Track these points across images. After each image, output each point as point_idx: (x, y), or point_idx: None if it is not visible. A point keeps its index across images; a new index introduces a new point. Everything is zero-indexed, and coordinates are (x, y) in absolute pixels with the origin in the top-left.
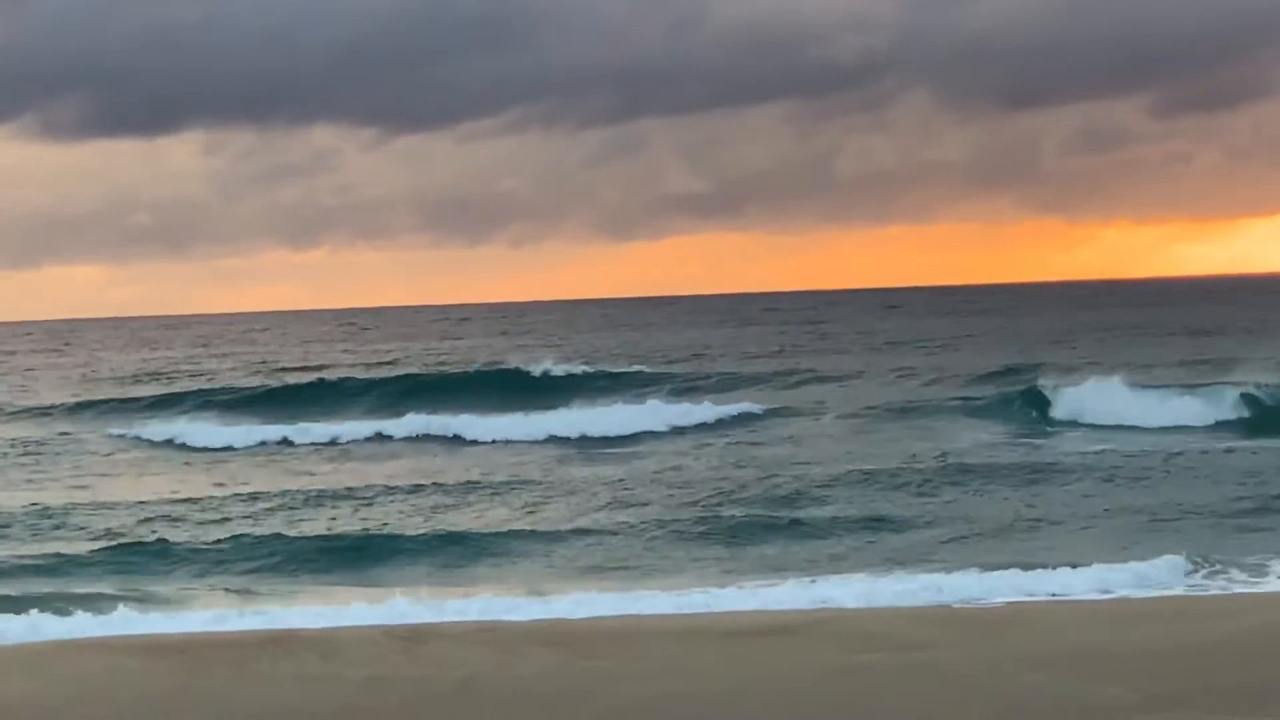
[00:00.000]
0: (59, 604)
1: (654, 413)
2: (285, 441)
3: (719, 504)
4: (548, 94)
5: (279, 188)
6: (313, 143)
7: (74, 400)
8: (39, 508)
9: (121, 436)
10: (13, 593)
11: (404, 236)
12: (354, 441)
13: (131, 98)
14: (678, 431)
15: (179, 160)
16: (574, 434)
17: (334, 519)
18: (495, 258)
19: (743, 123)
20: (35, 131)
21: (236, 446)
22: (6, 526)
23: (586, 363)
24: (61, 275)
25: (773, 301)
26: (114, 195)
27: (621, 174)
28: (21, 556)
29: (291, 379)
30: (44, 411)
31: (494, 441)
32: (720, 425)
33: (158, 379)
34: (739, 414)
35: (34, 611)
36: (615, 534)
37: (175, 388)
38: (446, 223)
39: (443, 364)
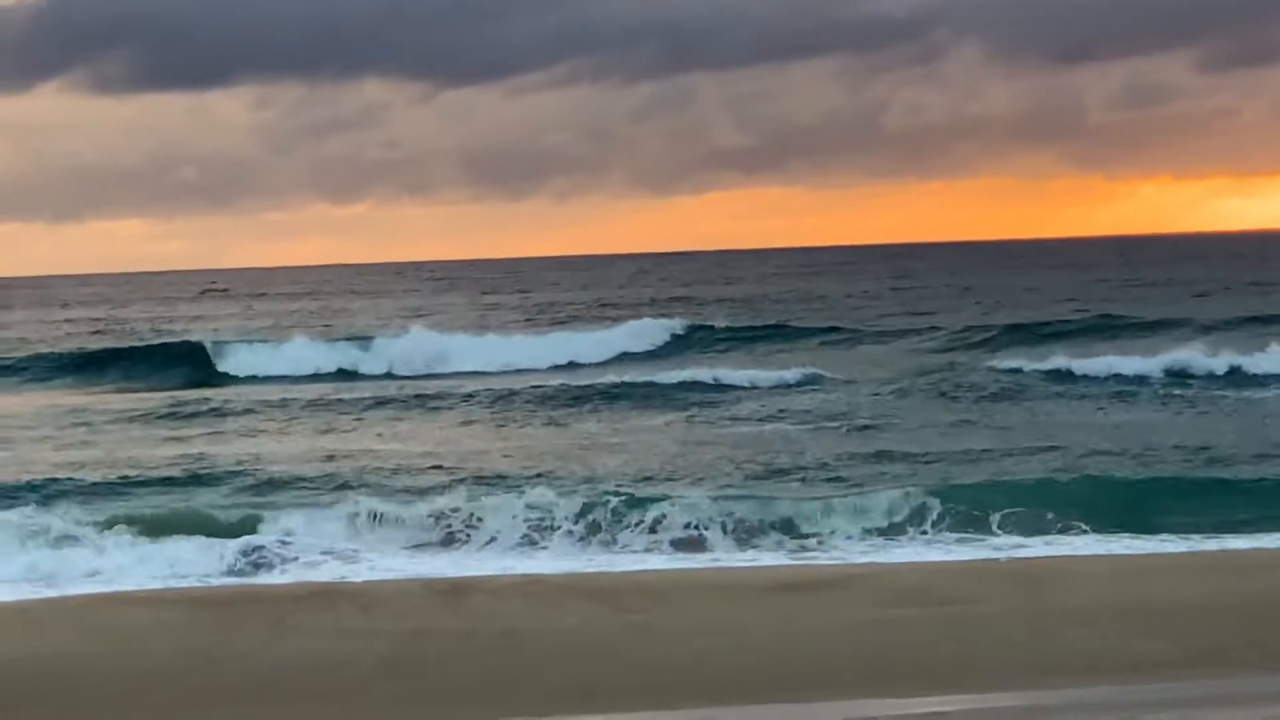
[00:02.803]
0: None
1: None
2: None
3: None
4: (598, 47)
5: (325, 142)
6: (362, 96)
7: None
8: None
9: None
10: None
11: (447, 190)
12: None
13: (182, 52)
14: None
15: (227, 114)
16: None
17: None
18: (538, 212)
19: (791, 77)
20: (85, 85)
21: None
22: None
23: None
24: (104, 229)
25: (831, 256)
26: (160, 149)
27: (667, 128)
28: None
29: None
30: None
31: None
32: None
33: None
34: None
35: None
36: None
37: None
38: (490, 177)
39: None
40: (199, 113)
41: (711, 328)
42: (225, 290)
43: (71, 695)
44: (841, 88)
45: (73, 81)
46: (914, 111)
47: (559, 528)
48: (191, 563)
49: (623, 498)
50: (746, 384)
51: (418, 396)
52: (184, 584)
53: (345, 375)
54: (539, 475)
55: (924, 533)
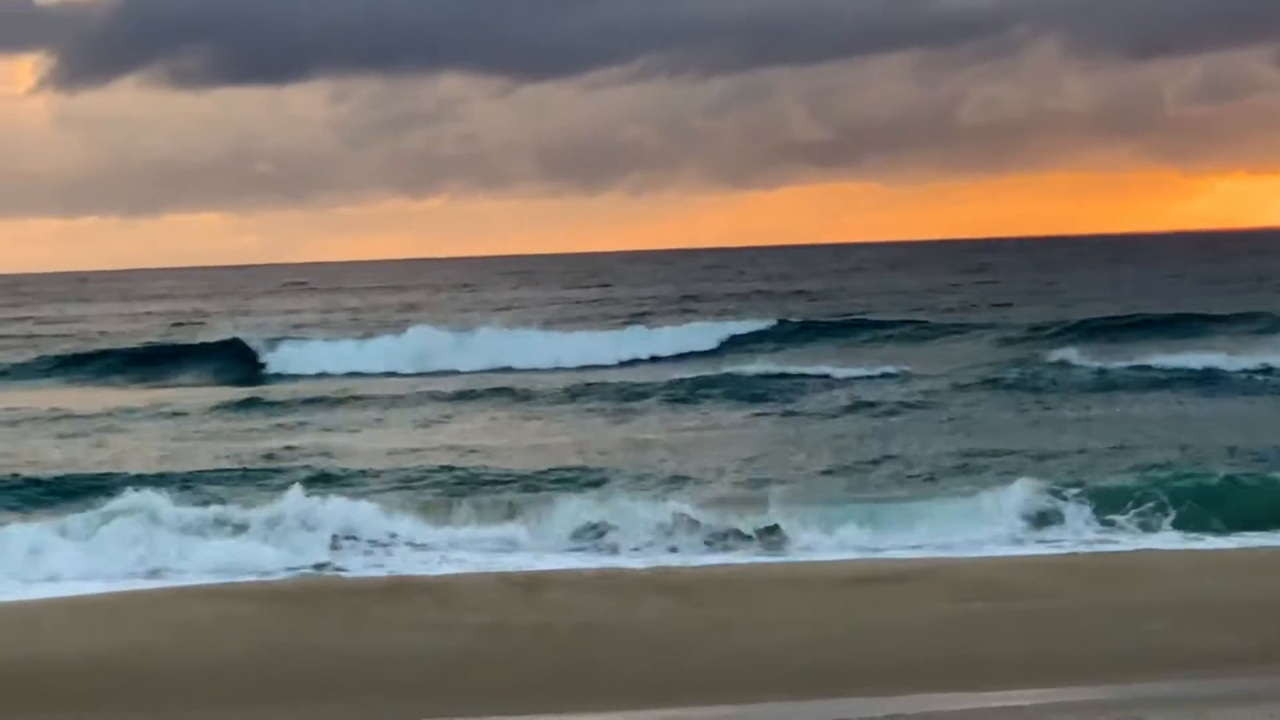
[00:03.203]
0: None
1: None
2: None
3: None
4: (675, 42)
5: (401, 136)
6: (439, 90)
7: None
8: None
9: None
10: None
11: (522, 185)
12: None
13: (259, 46)
14: None
15: (304, 108)
16: None
17: None
18: (613, 206)
19: (868, 71)
20: (163, 80)
21: None
22: None
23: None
24: (180, 223)
25: (908, 250)
26: (237, 143)
27: (743, 122)
28: None
29: None
30: None
31: None
32: None
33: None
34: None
35: None
36: None
37: None
38: (565, 171)
39: None
40: (275, 107)
41: (796, 323)
42: (304, 284)
43: (149, 689)
44: (918, 82)
45: (151, 76)
46: (990, 106)
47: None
48: (280, 557)
49: (726, 494)
50: (838, 377)
51: (512, 390)
52: (269, 578)
53: (439, 370)
54: (637, 472)
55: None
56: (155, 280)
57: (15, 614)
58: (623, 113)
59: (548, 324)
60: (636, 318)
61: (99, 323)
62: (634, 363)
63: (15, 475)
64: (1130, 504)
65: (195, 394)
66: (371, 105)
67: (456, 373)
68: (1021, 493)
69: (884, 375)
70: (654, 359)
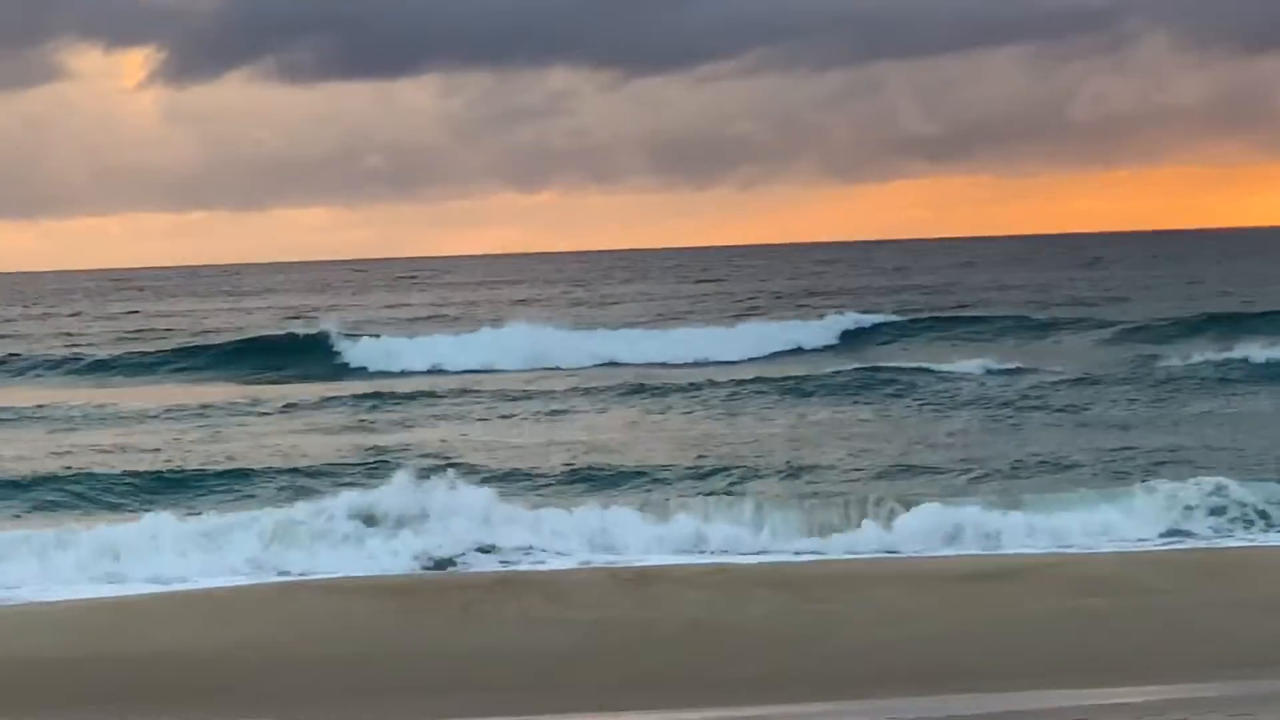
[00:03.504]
0: None
1: None
2: None
3: None
4: (787, 36)
5: (512, 130)
6: (550, 84)
7: None
8: None
9: None
10: None
11: (632, 179)
12: None
13: (370, 40)
14: None
15: (413, 102)
16: None
17: None
18: (722, 200)
19: (979, 65)
20: (273, 74)
21: None
22: None
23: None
24: (289, 217)
25: (1020, 245)
26: (346, 138)
27: (854, 116)
28: None
29: None
30: None
31: None
32: None
33: None
34: None
35: None
36: None
37: None
38: (676, 165)
39: None
40: (385, 101)
41: (919, 318)
42: (414, 278)
43: (264, 684)
44: (1029, 76)
45: (261, 70)
46: (1101, 100)
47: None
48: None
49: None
50: (960, 373)
51: (639, 386)
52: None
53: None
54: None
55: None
56: (268, 275)
57: (132, 609)
58: (734, 107)
59: (659, 319)
60: (751, 312)
61: (212, 318)
62: (750, 360)
63: (132, 470)
64: (1252, 500)
65: (308, 389)
66: (482, 99)
67: (577, 369)
68: (1157, 489)
69: (1008, 370)
70: (773, 354)
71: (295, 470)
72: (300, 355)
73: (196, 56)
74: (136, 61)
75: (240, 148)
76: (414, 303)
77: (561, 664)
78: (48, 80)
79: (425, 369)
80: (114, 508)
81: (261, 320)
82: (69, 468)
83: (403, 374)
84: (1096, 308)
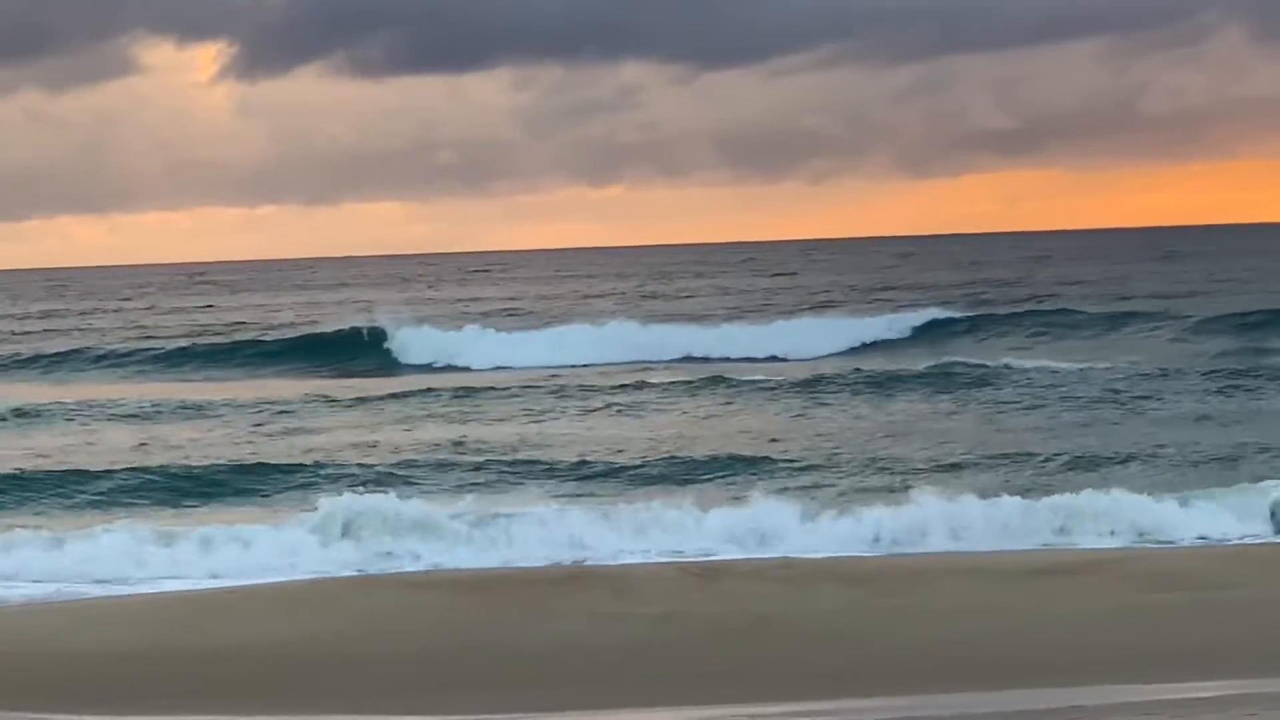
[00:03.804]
0: None
1: None
2: None
3: None
4: (861, 29)
5: (582, 124)
6: (621, 78)
7: None
8: None
9: None
10: None
11: (701, 173)
12: None
13: (441, 34)
14: None
15: (484, 96)
16: None
17: None
18: (792, 195)
19: (1054, 59)
20: (344, 68)
21: None
22: None
23: None
24: (359, 212)
25: (1093, 239)
26: (417, 132)
27: (927, 110)
28: None
29: None
30: None
31: None
32: None
33: None
34: None
35: None
36: None
37: None
38: (745, 159)
39: None
40: (456, 95)
41: (992, 313)
42: (486, 272)
43: (330, 678)
44: (1103, 69)
45: (332, 65)
46: (1175, 93)
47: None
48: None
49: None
50: (1041, 368)
51: (724, 380)
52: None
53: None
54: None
55: None
56: (340, 269)
57: (199, 603)
58: (805, 101)
59: (734, 313)
60: (826, 306)
61: (287, 311)
62: (828, 356)
63: (208, 464)
64: None
65: (381, 383)
66: (552, 93)
67: (665, 363)
68: (1257, 487)
69: (1090, 366)
70: (850, 351)
71: (369, 465)
72: (386, 349)
73: (268, 51)
74: (209, 56)
75: (311, 142)
76: (489, 296)
77: (630, 659)
78: (120, 75)
79: (532, 364)
80: (185, 501)
81: (346, 313)
82: (145, 462)
83: (500, 369)
84: (1173, 301)
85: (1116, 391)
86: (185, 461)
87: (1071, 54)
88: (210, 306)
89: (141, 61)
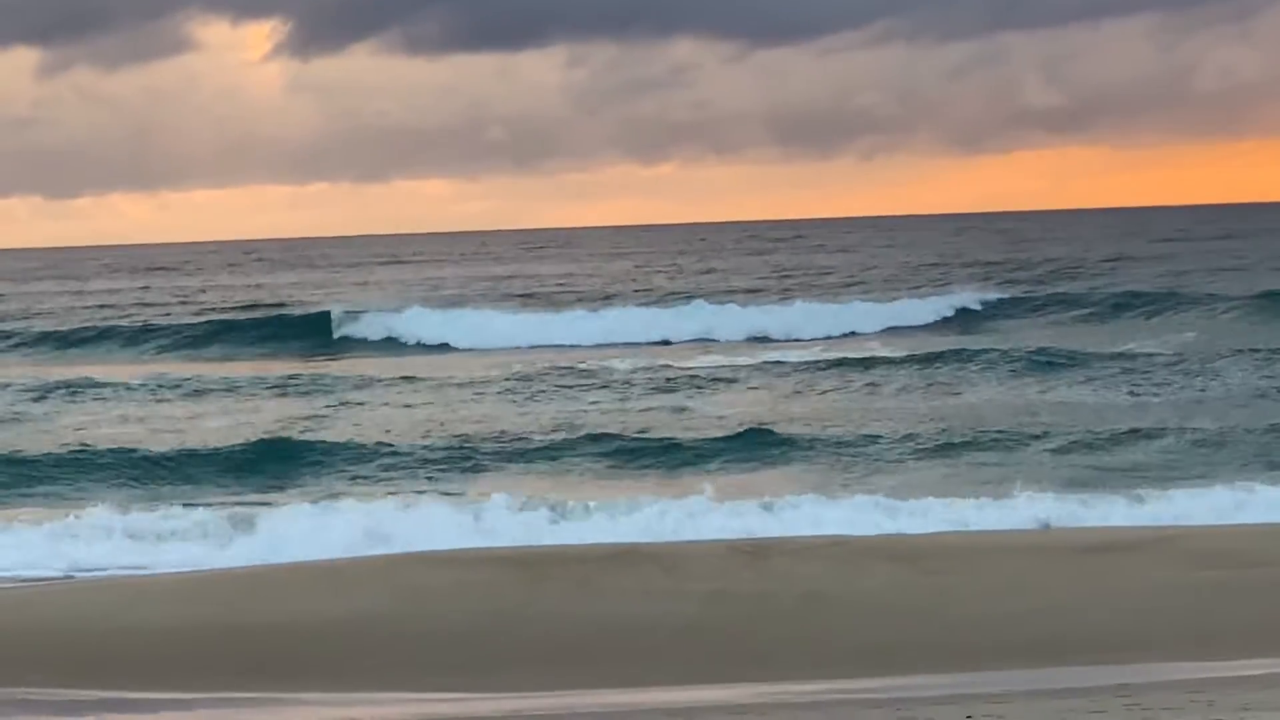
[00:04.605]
0: None
1: None
2: None
3: None
4: (914, 6)
5: (634, 102)
6: (673, 56)
7: None
8: None
9: None
10: None
11: (753, 150)
12: None
13: (495, 12)
14: None
15: (537, 74)
16: None
17: None
18: (842, 172)
19: (1104, 36)
20: (398, 45)
21: None
22: None
23: None
24: (409, 189)
25: (1144, 216)
26: (468, 110)
27: (978, 87)
28: None
29: None
30: None
31: None
32: None
33: None
34: None
35: None
36: None
37: None
38: (797, 136)
39: None
40: (509, 73)
41: (1045, 294)
42: (541, 249)
43: (379, 654)
44: (1153, 46)
45: (385, 42)
46: (1226, 70)
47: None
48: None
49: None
50: (1111, 352)
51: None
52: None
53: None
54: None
55: None
56: (400, 244)
57: (248, 580)
58: (857, 78)
59: (787, 293)
60: (888, 286)
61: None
62: (885, 331)
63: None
64: None
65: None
66: (605, 71)
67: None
68: None
69: (1160, 348)
70: (902, 329)
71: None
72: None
73: (322, 28)
74: (263, 33)
75: (363, 120)
76: (544, 274)
77: (680, 637)
78: (175, 52)
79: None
80: (227, 479)
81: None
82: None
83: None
84: (1228, 279)
85: (1187, 371)
86: (216, 443)
87: (1122, 31)
88: (261, 285)
89: (196, 39)
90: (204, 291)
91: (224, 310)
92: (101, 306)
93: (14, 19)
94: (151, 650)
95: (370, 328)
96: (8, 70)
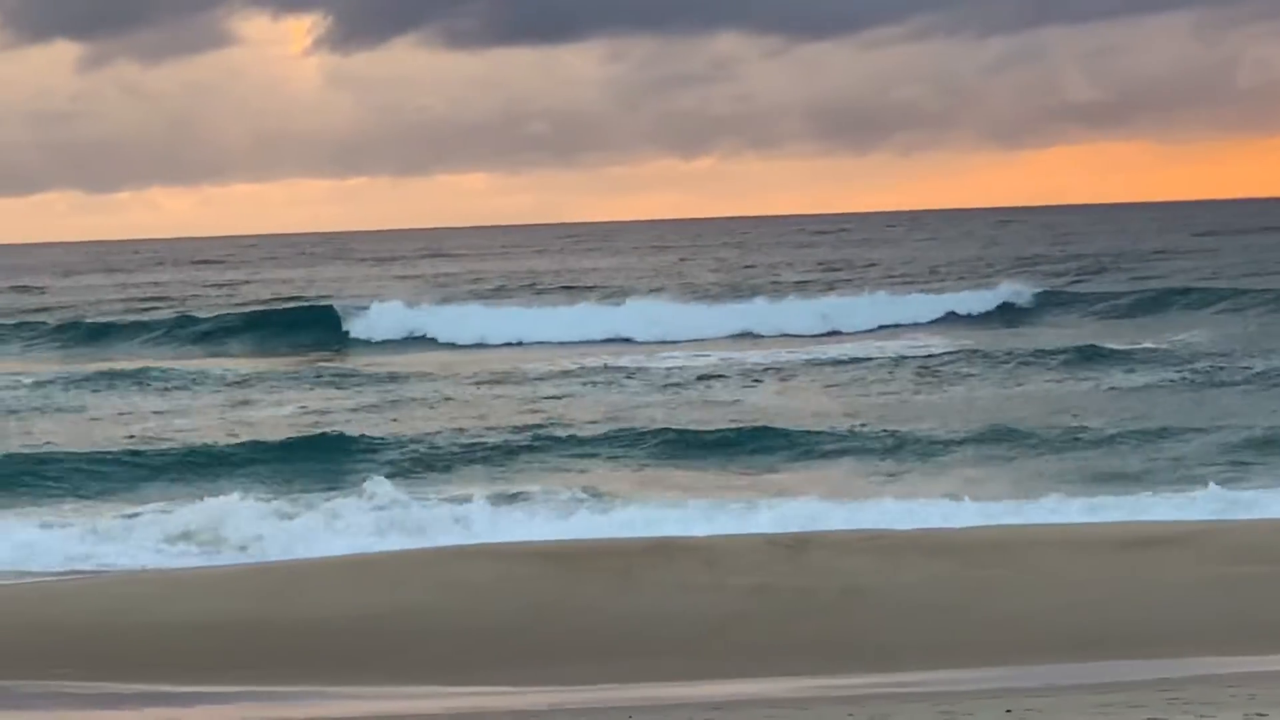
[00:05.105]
0: None
1: None
2: None
3: None
4: (953, 1)
5: (675, 96)
6: (714, 50)
7: None
8: None
9: None
10: None
11: (793, 144)
12: None
13: (535, 6)
14: None
15: (578, 68)
16: None
17: None
18: (882, 167)
19: (1145, 31)
20: (438, 40)
21: None
22: None
23: None
24: (449, 183)
25: (1186, 211)
26: (509, 104)
27: (1017, 82)
28: None
29: None
30: None
31: None
32: None
33: None
34: None
35: None
36: None
37: None
38: (836, 131)
39: None
40: (549, 67)
41: (1096, 290)
42: (581, 241)
43: (421, 648)
44: (1194, 42)
45: (425, 36)
46: (1267, 65)
47: None
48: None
49: None
50: (1154, 348)
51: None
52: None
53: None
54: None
55: None
56: (442, 238)
57: (286, 573)
58: (897, 72)
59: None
60: (934, 279)
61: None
62: (932, 323)
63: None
64: None
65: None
66: (645, 65)
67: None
68: None
69: (1206, 342)
70: (951, 315)
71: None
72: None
73: (363, 22)
74: (303, 27)
75: (403, 114)
76: (589, 268)
77: (720, 630)
78: (216, 46)
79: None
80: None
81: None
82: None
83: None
84: (1275, 273)
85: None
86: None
87: (1162, 26)
88: (289, 281)
89: (238, 33)
90: (234, 285)
91: (265, 302)
92: (148, 299)
93: (56, 13)
94: (189, 644)
95: (429, 323)
96: (48, 64)
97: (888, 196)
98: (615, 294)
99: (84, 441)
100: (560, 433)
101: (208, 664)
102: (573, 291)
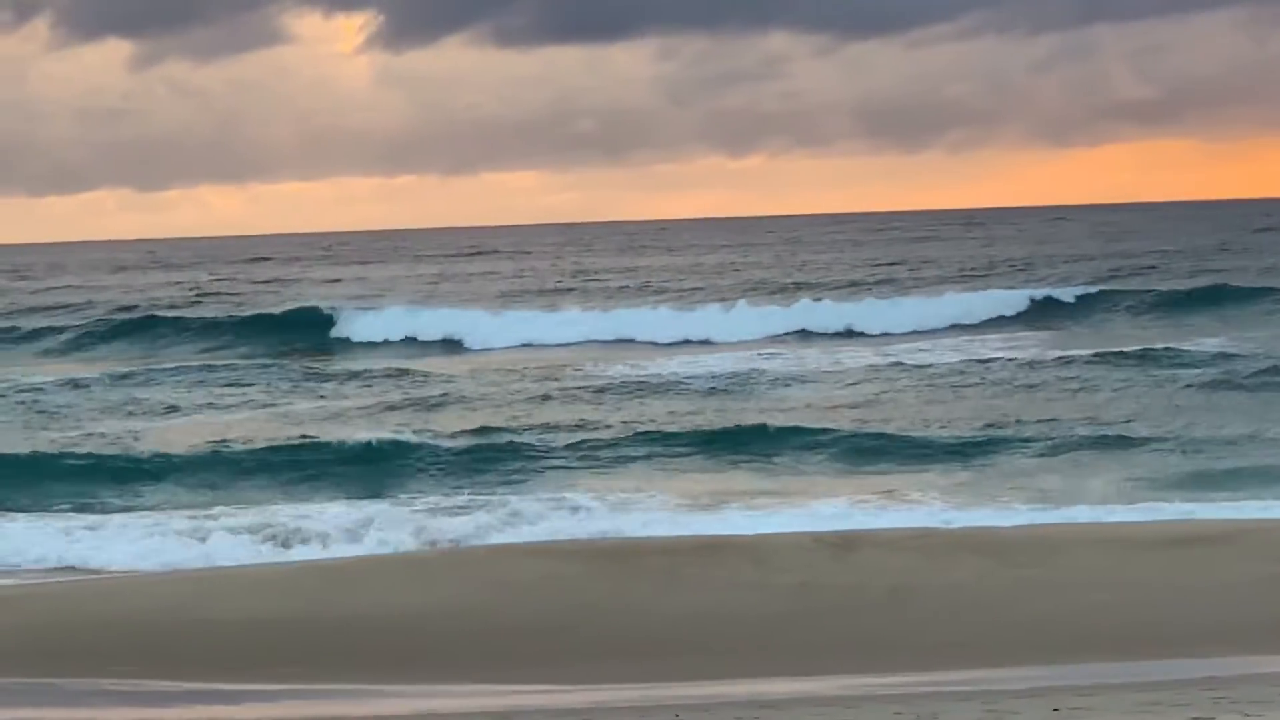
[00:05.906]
0: None
1: None
2: None
3: None
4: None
5: (724, 94)
6: (765, 48)
7: None
8: None
9: None
10: None
11: (841, 143)
12: None
13: (587, 4)
14: None
15: (628, 66)
16: None
17: None
18: (931, 165)
19: (1194, 28)
20: (488, 38)
21: None
22: None
23: None
24: (497, 181)
25: (1237, 210)
26: (558, 102)
27: (1067, 80)
28: None
29: None
30: None
31: None
32: None
33: None
34: None
35: None
36: None
37: None
38: (885, 129)
39: None
40: (599, 65)
41: (1147, 288)
42: (635, 240)
43: (467, 646)
44: (1244, 39)
45: (476, 35)
46: None
47: None
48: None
49: None
50: (1195, 351)
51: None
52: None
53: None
54: None
55: None
56: (493, 237)
57: (332, 571)
58: (947, 71)
59: (886, 285)
60: (975, 278)
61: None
62: (983, 323)
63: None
64: None
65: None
66: (695, 63)
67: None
68: None
69: (1256, 344)
70: (1000, 317)
71: None
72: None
73: (414, 21)
74: (354, 26)
75: (453, 112)
76: (645, 265)
77: (768, 628)
78: (268, 45)
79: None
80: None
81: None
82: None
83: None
84: None
85: None
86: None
87: (1212, 23)
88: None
89: (289, 31)
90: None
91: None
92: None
93: (108, 11)
94: (237, 641)
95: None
96: (100, 63)
97: (937, 195)
98: (695, 295)
99: (163, 443)
100: (652, 430)
101: (256, 661)
102: (663, 294)
